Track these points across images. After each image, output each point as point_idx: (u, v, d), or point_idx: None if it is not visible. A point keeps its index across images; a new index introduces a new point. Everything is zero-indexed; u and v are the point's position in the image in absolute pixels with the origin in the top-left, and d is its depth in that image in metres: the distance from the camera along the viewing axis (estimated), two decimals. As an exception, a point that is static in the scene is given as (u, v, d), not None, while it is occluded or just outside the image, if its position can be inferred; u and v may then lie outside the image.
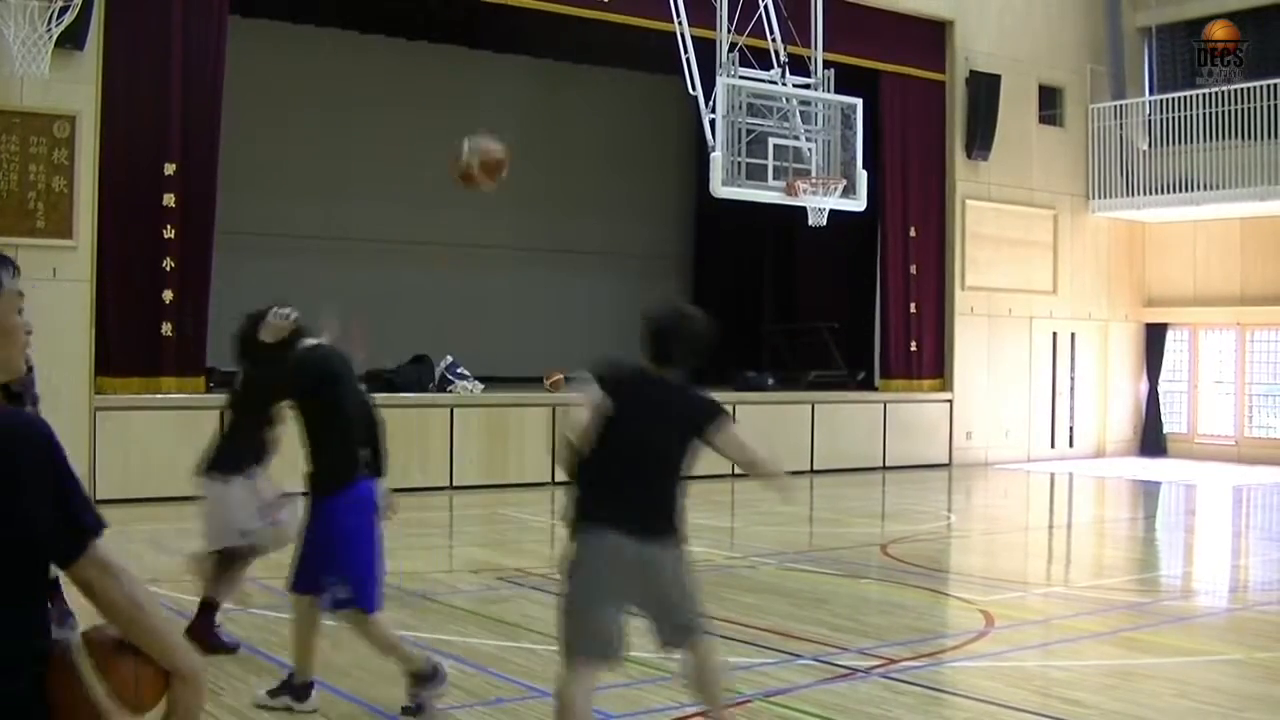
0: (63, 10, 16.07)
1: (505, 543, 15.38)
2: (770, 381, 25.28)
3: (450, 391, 20.89)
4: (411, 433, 19.65)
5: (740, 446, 6.82)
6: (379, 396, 19.79)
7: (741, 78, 17.89)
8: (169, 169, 18.42)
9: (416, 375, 21.27)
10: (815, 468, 23.65)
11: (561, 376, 22.61)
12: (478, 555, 14.34)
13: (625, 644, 6.57)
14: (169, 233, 18.46)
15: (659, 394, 6.84)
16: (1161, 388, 29.39)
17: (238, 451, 9.32)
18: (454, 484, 19.88)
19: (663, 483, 6.68)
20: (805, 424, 23.87)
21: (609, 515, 6.46)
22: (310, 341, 8.27)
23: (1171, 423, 29.46)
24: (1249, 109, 26.26)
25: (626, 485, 6.53)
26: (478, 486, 19.88)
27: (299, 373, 8.10)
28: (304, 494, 7.95)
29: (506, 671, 8.80)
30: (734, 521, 18.43)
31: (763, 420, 23.23)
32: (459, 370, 21.32)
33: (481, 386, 21.24)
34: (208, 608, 9.27)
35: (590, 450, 6.55)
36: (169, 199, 18.42)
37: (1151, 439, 29.24)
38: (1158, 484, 24.01)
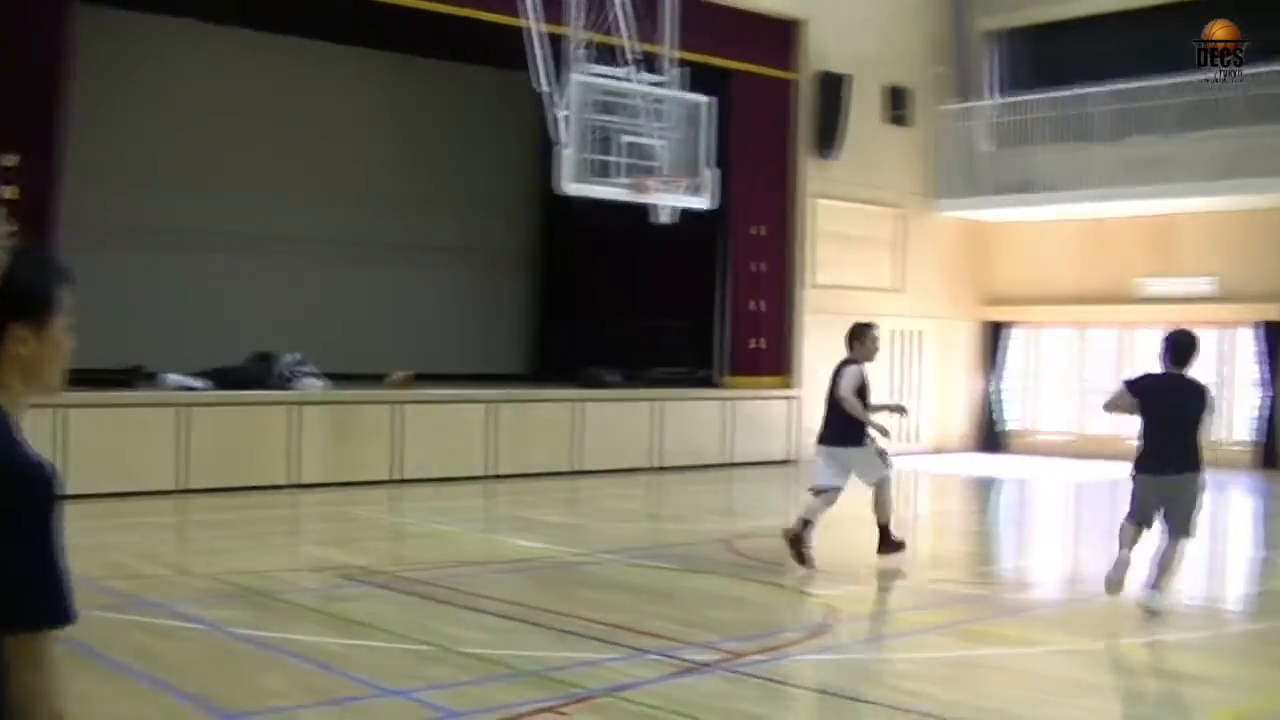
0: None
1: (350, 540, 15.18)
2: (615, 378, 25.24)
3: (294, 389, 20.58)
4: (254, 430, 19.40)
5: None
6: (221, 394, 19.66)
7: (592, 74, 17.82)
8: (8, 161, 17.95)
9: (259, 372, 20.91)
10: (661, 464, 23.67)
11: (410, 374, 22.43)
12: (322, 553, 14.13)
13: None
14: (10, 226, 17.96)
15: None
16: (1002, 385, 29.82)
17: None
18: (297, 482, 19.60)
19: None
20: (651, 421, 23.85)
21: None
22: None
23: (1011, 419, 29.91)
24: (1090, 113, 26.73)
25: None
26: (322, 484, 19.61)
27: None
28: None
29: (352, 670, 8.65)
30: (579, 518, 18.38)
31: (608, 417, 23.22)
32: (304, 367, 20.99)
33: (326, 384, 20.95)
34: None
35: None
36: (9, 191, 17.94)
37: (991, 435, 29.66)
38: (997, 480, 24.33)
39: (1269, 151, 24.88)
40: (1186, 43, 27.13)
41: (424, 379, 23.45)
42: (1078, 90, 26.98)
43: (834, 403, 13.89)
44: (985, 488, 23.42)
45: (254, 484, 18.77)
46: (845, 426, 13.70)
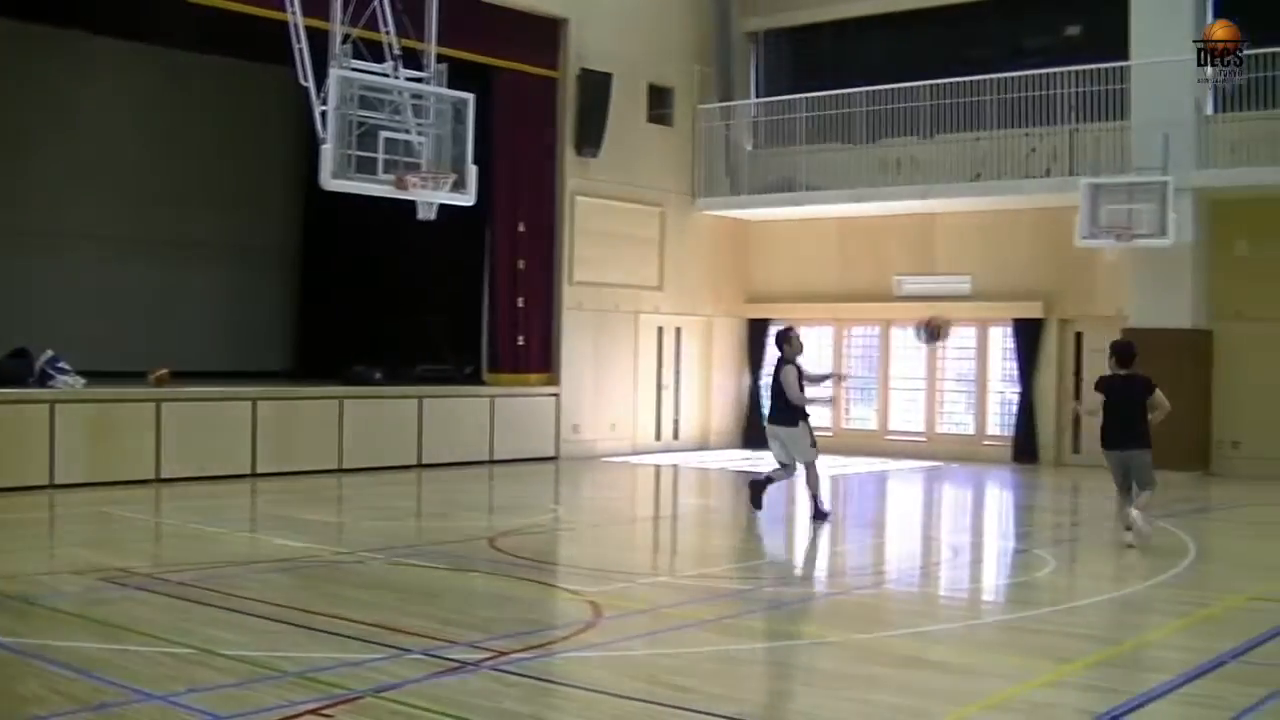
0: None
1: (110, 542, 14.81)
2: (378, 375, 25.05)
3: (51, 387, 20.00)
4: (10, 429, 18.84)
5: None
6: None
7: (354, 70, 17.61)
8: None
9: (17, 369, 20.31)
10: (424, 462, 23.55)
11: (166, 372, 21.96)
12: (81, 555, 13.75)
13: None
14: None
15: None
16: (763, 381, 30.20)
17: None
18: (55, 482, 19.06)
19: None
20: (413, 418, 23.70)
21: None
22: None
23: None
24: (849, 114, 27.22)
25: None
26: (81, 484, 19.11)
27: None
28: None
29: (111, 675, 8.41)
30: (342, 516, 18.20)
31: (371, 414, 23.03)
32: (60, 365, 20.40)
33: (84, 382, 20.40)
34: None
35: None
36: None
37: (753, 431, 30.00)
38: (759, 474, 24.60)
39: (1019, 154, 25.61)
40: (941, 47, 27.89)
41: (186, 376, 23.01)
42: (837, 91, 27.46)
43: (778, 392, 17.66)
44: (748, 483, 23.65)
45: (11, 485, 18.26)
46: (785, 409, 17.59)
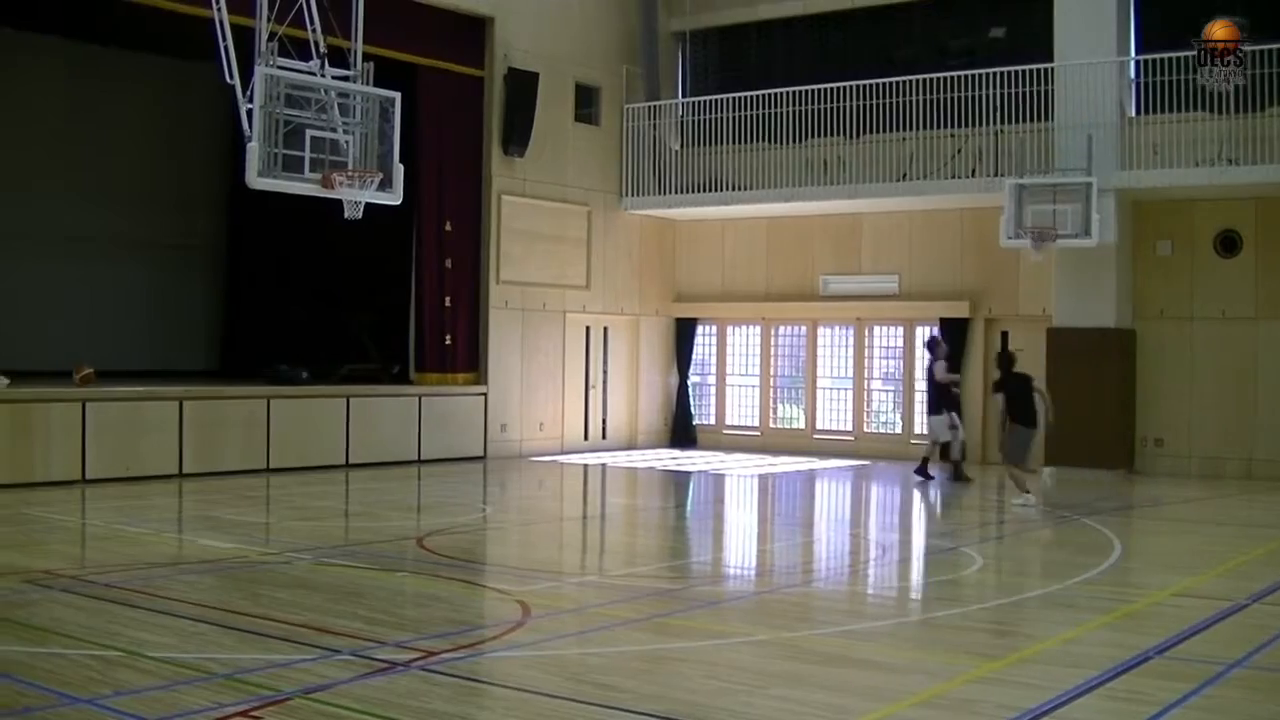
0: None
1: (31, 544, 14.66)
2: (304, 375, 24.93)
3: (-29, 386, 19.81)
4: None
5: None
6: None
7: (280, 68, 17.50)
8: None
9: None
10: (350, 461, 23.47)
11: (92, 371, 21.76)
12: (3, 557, 13.59)
13: None
14: None
15: None
16: (691, 380, 30.28)
17: None
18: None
19: None
20: (339, 417, 23.60)
21: None
22: None
23: (700, 414, 30.39)
24: (776, 113, 27.30)
25: None
26: (1, 486, 18.91)
27: None
28: None
29: (34, 678, 8.33)
30: (269, 517, 18.10)
31: (296, 414, 22.92)
32: (-20, 363, 20.22)
33: (7, 381, 20.18)
34: None
35: None
36: None
37: (681, 430, 30.10)
38: (687, 474, 24.69)
39: (945, 154, 25.78)
40: (867, 48, 28.02)
41: (111, 376, 22.82)
42: (763, 91, 27.54)
43: (932, 382, 23.72)
44: (677, 482, 23.72)
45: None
46: (934, 401, 23.74)
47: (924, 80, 25.59)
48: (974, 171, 25.59)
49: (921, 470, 23.13)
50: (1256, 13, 22.71)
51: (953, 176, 25.76)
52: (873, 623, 11.19)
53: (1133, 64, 24.65)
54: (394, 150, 18.45)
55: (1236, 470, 24.17)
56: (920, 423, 27.32)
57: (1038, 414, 19.92)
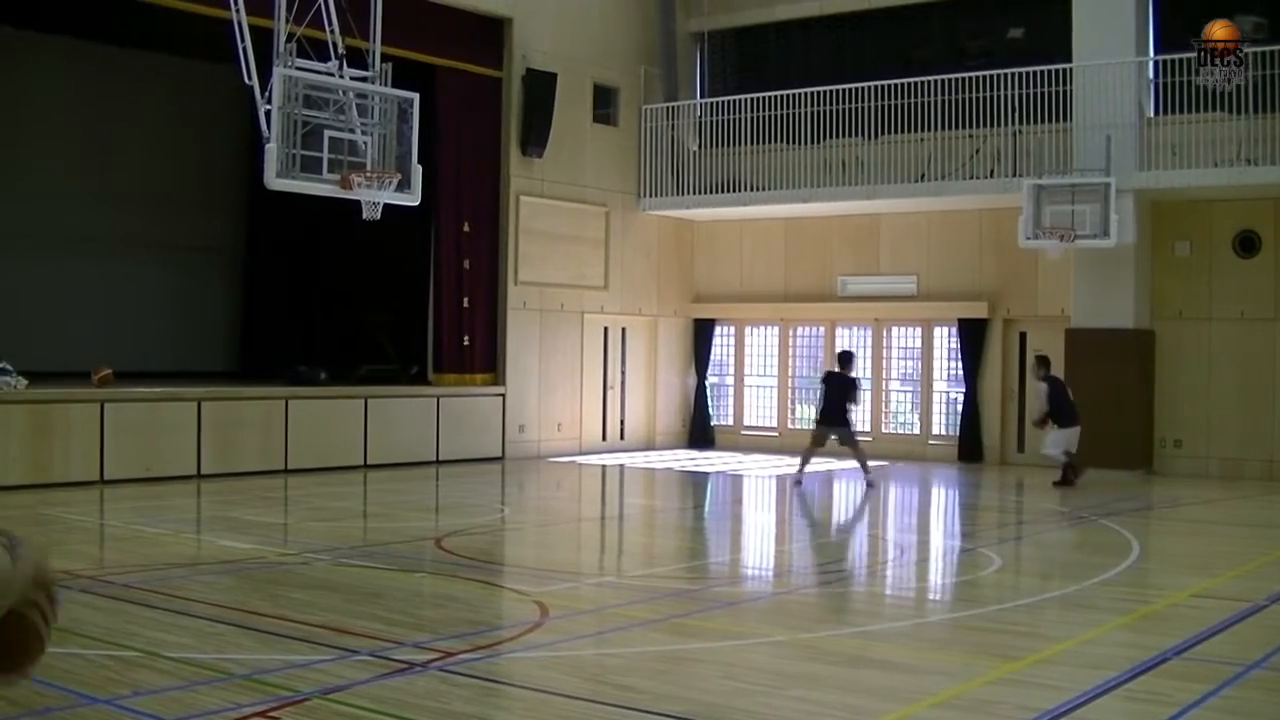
0: None
1: (52, 544, 14.69)
2: (323, 375, 24.97)
3: (-7, 387, 19.85)
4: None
5: None
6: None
7: (298, 69, 17.55)
8: None
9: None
10: (368, 462, 23.49)
11: (110, 372, 21.80)
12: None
13: None
14: None
15: None
16: (709, 381, 30.28)
17: None
18: (-3, 483, 18.93)
19: None
20: (358, 418, 23.62)
21: None
22: None
23: (718, 415, 30.38)
24: (794, 114, 27.28)
25: None
26: (21, 486, 18.95)
27: None
28: None
29: (53, 678, 8.33)
30: (287, 518, 18.14)
31: (315, 415, 22.94)
32: (1, 365, 20.24)
33: (26, 383, 20.22)
34: None
35: None
36: None
37: (699, 431, 30.08)
38: (705, 474, 24.69)
39: (963, 155, 25.73)
40: (886, 48, 28.00)
41: (129, 377, 22.86)
42: (781, 92, 27.52)
43: (1058, 398, 22.71)
44: (695, 483, 23.72)
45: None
46: (1056, 414, 22.73)
47: (942, 81, 25.55)
48: (992, 172, 25.55)
49: (1066, 480, 22.33)
50: (1275, 13, 22.67)
51: (971, 177, 25.72)
52: (891, 623, 11.18)
53: (1151, 64, 24.61)
54: (412, 151, 18.50)
55: (1256, 471, 24.09)
56: (939, 422, 27.32)
57: (841, 412, 22.14)
